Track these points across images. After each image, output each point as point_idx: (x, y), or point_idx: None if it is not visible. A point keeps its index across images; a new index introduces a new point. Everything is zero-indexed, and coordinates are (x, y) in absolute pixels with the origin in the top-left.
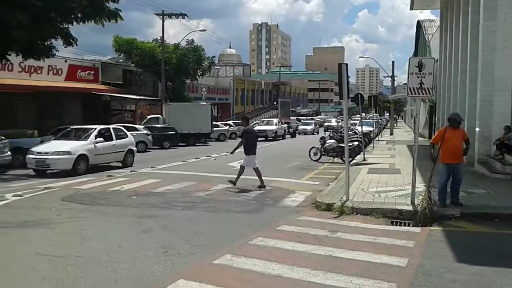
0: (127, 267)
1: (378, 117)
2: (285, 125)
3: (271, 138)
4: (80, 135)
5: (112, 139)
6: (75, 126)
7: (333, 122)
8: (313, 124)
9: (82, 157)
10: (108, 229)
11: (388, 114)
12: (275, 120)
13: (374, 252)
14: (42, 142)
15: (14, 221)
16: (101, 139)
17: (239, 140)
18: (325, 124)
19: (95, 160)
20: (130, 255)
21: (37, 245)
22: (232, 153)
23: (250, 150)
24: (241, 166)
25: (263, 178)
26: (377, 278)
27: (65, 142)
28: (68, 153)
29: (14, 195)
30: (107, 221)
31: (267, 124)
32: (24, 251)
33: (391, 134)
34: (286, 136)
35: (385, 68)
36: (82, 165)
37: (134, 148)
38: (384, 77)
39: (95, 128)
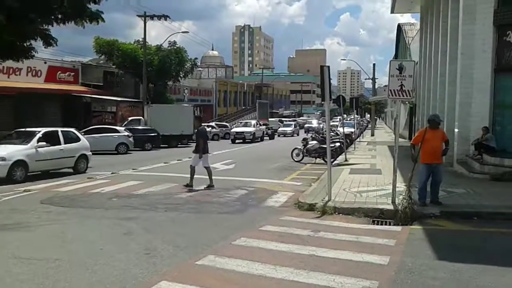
0: (108, 270)
1: (359, 118)
2: (264, 127)
3: (249, 140)
4: (23, 139)
5: (59, 143)
6: (20, 129)
7: (314, 123)
8: (293, 126)
9: (19, 163)
10: (88, 232)
11: (369, 115)
12: (253, 122)
13: (356, 251)
14: None
15: None
16: (44, 143)
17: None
18: (306, 125)
19: (37, 167)
20: (111, 258)
21: (16, 248)
22: (200, 157)
23: (201, 149)
24: (192, 166)
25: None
26: (359, 276)
27: (2, 146)
28: (2, 159)
29: None
30: (87, 223)
31: (245, 125)
32: (2, 255)
33: (372, 135)
34: (265, 138)
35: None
36: (20, 173)
37: (89, 153)
38: (366, 79)
39: (39, 131)
